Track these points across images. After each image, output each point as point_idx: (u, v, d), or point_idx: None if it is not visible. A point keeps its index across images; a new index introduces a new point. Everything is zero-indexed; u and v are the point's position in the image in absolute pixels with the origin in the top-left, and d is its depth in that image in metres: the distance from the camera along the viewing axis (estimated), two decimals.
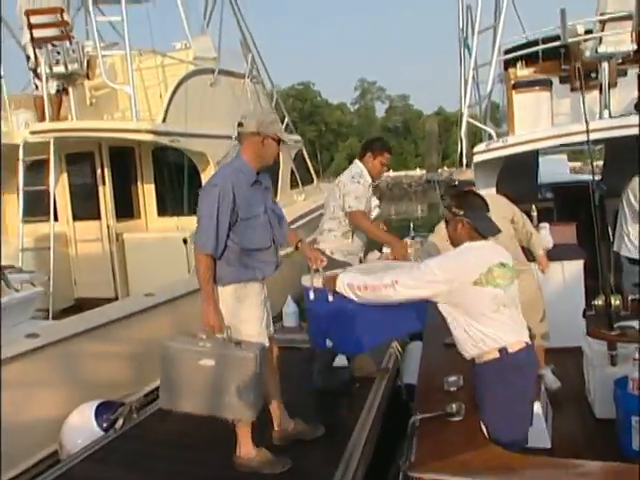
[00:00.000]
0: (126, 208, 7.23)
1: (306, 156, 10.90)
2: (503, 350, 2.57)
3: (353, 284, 2.80)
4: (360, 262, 4.48)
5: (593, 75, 6.14)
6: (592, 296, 4.98)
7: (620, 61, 5.64)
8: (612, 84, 5.69)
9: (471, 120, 5.36)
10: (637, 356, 3.21)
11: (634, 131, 4.17)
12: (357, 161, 4.46)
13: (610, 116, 5.70)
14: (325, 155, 58.31)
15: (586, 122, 3.89)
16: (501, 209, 3.93)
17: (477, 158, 5.23)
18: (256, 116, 3.36)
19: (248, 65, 8.32)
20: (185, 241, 6.20)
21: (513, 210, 4.11)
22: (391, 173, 51.27)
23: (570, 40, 5.29)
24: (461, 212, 2.68)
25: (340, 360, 4.73)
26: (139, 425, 4.06)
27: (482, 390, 2.60)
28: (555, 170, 9.18)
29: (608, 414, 3.64)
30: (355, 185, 4.23)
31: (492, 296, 2.58)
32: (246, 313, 3.25)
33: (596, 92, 5.97)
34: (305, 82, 63.39)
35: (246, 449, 3.33)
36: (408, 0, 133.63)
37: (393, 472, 3.27)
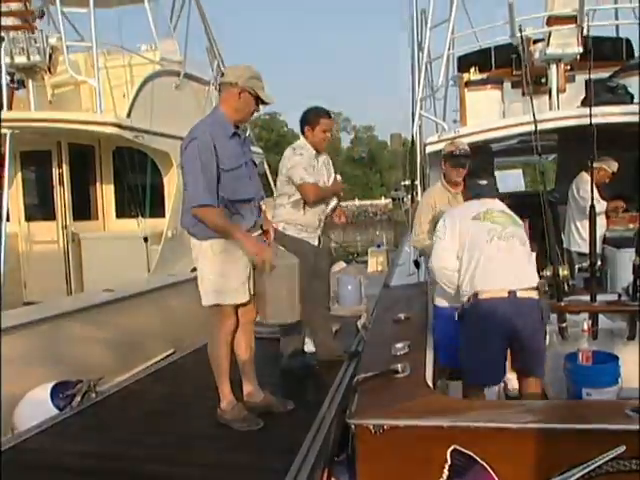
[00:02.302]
0: (84, 209, 7.04)
1: (267, 169, 10.87)
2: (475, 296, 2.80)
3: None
4: (319, 241, 4.40)
5: (543, 81, 6.37)
6: None
7: (569, 67, 5.84)
8: (561, 89, 5.89)
9: (424, 114, 5.43)
10: (585, 327, 3.24)
11: (581, 121, 4.29)
12: (301, 138, 4.46)
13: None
14: None
15: (533, 115, 3.98)
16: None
17: (430, 148, 5.28)
18: (237, 69, 3.23)
19: (214, 72, 8.30)
20: (146, 239, 6.04)
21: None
22: (357, 202, 51.67)
23: (518, 36, 5.44)
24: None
25: (308, 347, 4.73)
26: (97, 403, 3.94)
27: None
28: (511, 183, 9.41)
29: (557, 389, 3.64)
30: (298, 157, 4.23)
31: (488, 229, 2.88)
32: (227, 267, 3.21)
33: (546, 97, 6.18)
34: (272, 113, 63.84)
35: (225, 402, 3.40)
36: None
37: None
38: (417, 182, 5.54)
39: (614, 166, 5.31)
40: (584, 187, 5.36)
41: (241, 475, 2.88)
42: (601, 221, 5.39)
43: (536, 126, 3.94)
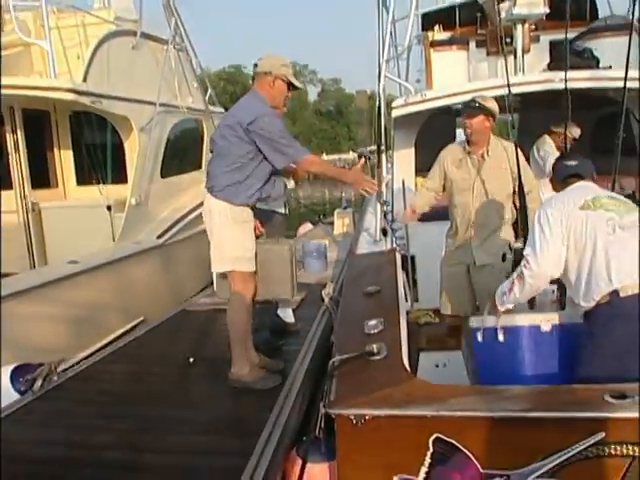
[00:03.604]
0: (42, 177, 6.83)
1: None
2: (614, 293, 2.34)
3: (504, 291, 2.71)
4: (285, 207, 4.44)
5: (508, 40, 6.33)
6: None
7: (534, 27, 5.81)
8: (526, 50, 5.87)
9: (389, 76, 5.35)
10: (553, 298, 3.32)
11: (554, 86, 4.29)
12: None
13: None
14: None
15: (507, 76, 3.93)
16: (506, 159, 3.68)
17: (396, 113, 5.23)
18: (269, 59, 3.55)
19: (171, 31, 7.98)
20: (109, 208, 5.92)
21: (525, 169, 3.72)
22: (324, 156, 51.28)
23: (504, 4, 5.38)
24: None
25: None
26: (60, 386, 3.90)
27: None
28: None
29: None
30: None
31: (606, 218, 2.40)
32: (249, 236, 3.53)
33: (511, 57, 6.15)
34: (236, 65, 62.17)
35: (240, 365, 3.59)
36: None
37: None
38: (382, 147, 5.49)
39: (576, 132, 5.37)
40: (544, 148, 5.42)
41: (207, 459, 2.88)
42: None
43: (509, 91, 3.84)
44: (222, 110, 10.59)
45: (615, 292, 2.34)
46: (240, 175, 3.42)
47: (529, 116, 6.11)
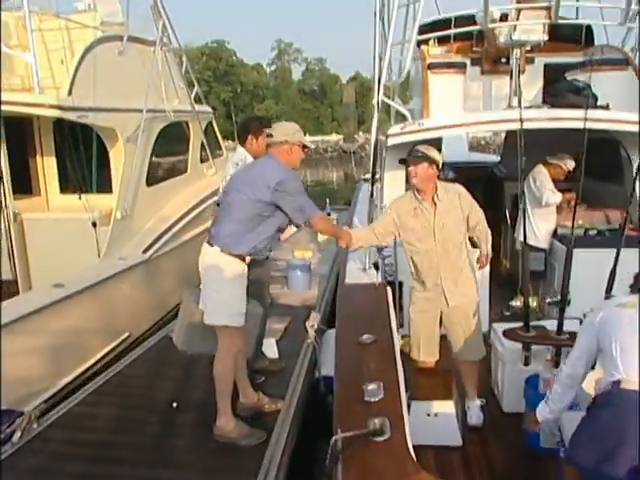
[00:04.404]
0: (24, 184, 6.69)
1: (216, 127, 10.55)
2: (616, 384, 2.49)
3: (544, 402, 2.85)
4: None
5: (503, 60, 6.32)
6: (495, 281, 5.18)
7: (528, 48, 5.80)
8: (521, 71, 5.87)
9: (387, 100, 5.30)
10: (549, 357, 3.37)
11: (569, 124, 4.30)
12: (239, 147, 4.35)
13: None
14: (240, 117, 56.83)
15: (520, 111, 3.89)
16: (456, 199, 3.82)
17: (392, 141, 5.20)
18: (283, 128, 3.78)
19: (159, 32, 7.80)
20: (94, 224, 5.83)
21: (471, 204, 3.90)
22: (307, 137, 50.76)
23: (490, 26, 5.35)
24: None
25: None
26: (39, 436, 3.85)
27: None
28: (455, 147, 9.31)
29: (515, 408, 3.85)
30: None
31: (630, 317, 2.57)
32: (242, 289, 3.60)
33: (506, 77, 6.16)
34: (219, 40, 61.00)
35: (225, 419, 3.64)
36: None
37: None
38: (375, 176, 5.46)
39: (570, 164, 5.42)
40: (541, 179, 5.46)
41: None
42: (553, 215, 5.56)
43: (522, 125, 3.84)
44: (208, 109, 10.46)
45: (616, 382, 2.48)
46: (246, 227, 3.51)
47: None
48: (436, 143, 7.45)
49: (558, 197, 5.42)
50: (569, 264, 3.38)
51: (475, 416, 3.85)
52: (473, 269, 4.03)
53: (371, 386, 2.71)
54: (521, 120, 3.55)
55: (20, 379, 4.28)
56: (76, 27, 6.63)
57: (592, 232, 5.62)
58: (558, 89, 5.44)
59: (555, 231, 5.66)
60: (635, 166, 5.69)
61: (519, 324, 3.99)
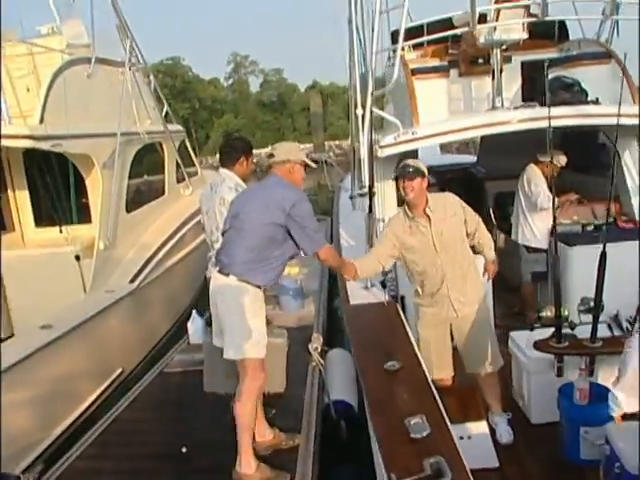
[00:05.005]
0: None
1: (189, 146, 10.31)
2: None
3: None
4: None
5: (480, 61, 6.27)
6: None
7: (504, 47, 5.77)
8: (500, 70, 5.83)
9: (377, 111, 5.16)
10: (583, 366, 3.25)
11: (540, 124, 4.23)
12: (226, 171, 4.13)
13: (502, 104, 5.85)
14: (200, 133, 56.30)
15: (549, 110, 3.76)
16: (448, 207, 3.75)
17: (385, 152, 5.05)
18: (284, 148, 3.72)
19: (127, 52, 7.54)
20: (78, 258, 5.51)
21: (465, 210, 3.83)
22: (270, 149, 50.62)
23: (479, 27, 5.29)
24: None
25: None
26: None
27: None
28: (427, 149, 9.25)
29: (543, 419, 3.72)
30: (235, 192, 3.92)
31: None
32: (262, 319, 3.43)
33: (484, 78, 6.11)
34: (174, 57, 60.33)
35: (246, 462, 3.40)
36: None
37: None
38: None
39: (563, 160, 5.35)
40: (535, 181, 5.38)
41: None
42: (549, 215, 5.48)
43: (550, 124, 3.68)
44: (180, 128, 10.20)
45: None
46: (261, 255, 3.32)
47: (495, 139, 6.00)
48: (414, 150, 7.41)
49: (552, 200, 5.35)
50: (603, 268, 3.26)
51: (505, 433, 3.69)
52: (478, 275, 3.92)
53: (414, 420, 2.54)
54: (549, 118, 3.43)
55: (9, 436, 3.86)
56: (41, 52, 6.31)
57: (590, 227, 5.58)
58: (548, 86, 5.37)
59: (552, 229, 5.58)
60: (625, 157, 5.70)
61: (525, 330, 3.95)
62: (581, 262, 5.15)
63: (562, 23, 6.51)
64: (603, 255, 3.23)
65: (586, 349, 3.20)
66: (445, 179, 7.58)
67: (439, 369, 3.79)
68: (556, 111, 4.38)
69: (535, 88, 6.26)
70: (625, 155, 5.79)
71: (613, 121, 3.96)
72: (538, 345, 3.34)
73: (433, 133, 5.01)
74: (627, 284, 3.79)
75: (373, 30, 5.41)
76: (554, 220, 3.75)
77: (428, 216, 3.71)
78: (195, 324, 5.98)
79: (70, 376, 4.85)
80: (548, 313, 3.27)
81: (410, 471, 2.22)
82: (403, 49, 6.91)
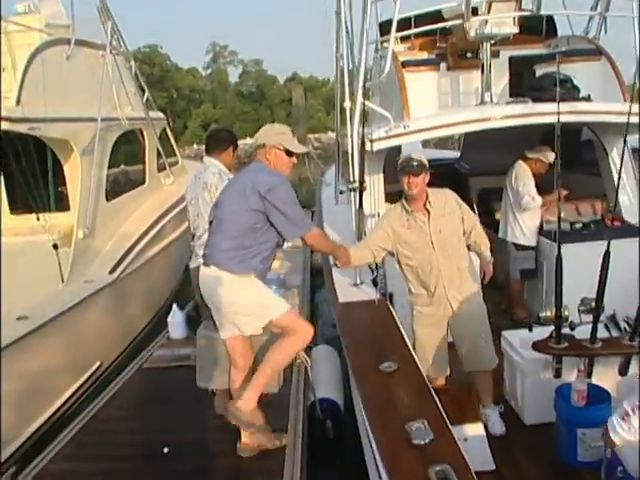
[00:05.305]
0: None
1: (170, 134, 10.07)
2: None
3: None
4: None
5: (469, 55, 6.20)
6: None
7: (492, 42, 5.72)
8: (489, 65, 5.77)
9: (369, 104, 5.04)
10: (582, 367, 3.19)
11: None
12: (211, 159, 4.09)
13: (491, 99, 5.79)
14: (178, 122, 55.54)
15: (558, 105, 3.65)
16: (447, 204, 3.68)
17: (378, 146, 4.95)
18: (264, 130, 3.49)
19: (108, 35, 7.27)
20: (56, 247, 5.28)
21: (462, 207, 3.77)
22: (249, 140, 50.33)
23: (474, 19, 5.21)
24: None
25: None
26: None
27: None
28: (408, 145, 9.17)
29: (537, 420, 3.66)
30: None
31: None
32: (258, 282, 3.26)
33: (472, 72, 6.04)
34: (152, 45, 59.32)
35: (248, 399, 3.24)
36: None
37: None
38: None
39: (551, 156, 5.31)
40: (523, 180, 5.33)
41: None
42: (537, 211, 5.44)
43: (559, 119, 3.49)
44: (161, 115, 9.96)
45: None
46: (243, 243, 3.15)
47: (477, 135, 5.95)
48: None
49: (538, 201, 5.32)
50: (606, 266, 3.19)
51: (498, 424, 3.64)
52: (475, 273, 3.85)
53: (416, 425, 2.42)
54: (558, 113, 3.34)
55: None
56: (18, 30, 6.02)
57: (578, 225, 5.56)
58: (540, 82, 5.33)
59: (541, 227, 5.55)
60: (613, 154, 5.69)
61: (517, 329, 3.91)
62: (571, 260, 5.13)
63: (550, 18, 6.47)
64: (607, 255, 3.16)
65: (587, 350, 3.13)
66: (431, 176, 7.52)
67: (436, 369, 3.72)
68: (564, 107, 4.28)
69: (523, 83, 6.24)
70: (613, 153, 5.79)
71: (621, 119, 3.91)
72: (537, 346, 3.27)
73: (427, 127, 4.91)
74: (620, 282, 3.74)
75: (365, 21, 5.28)
76: (559, 218, 3.66)
77: (428, 211, 3.62)
78: (175, 318, 5.82)
79: (47, 370, 4.65)
80: (548, 313, 3.19)
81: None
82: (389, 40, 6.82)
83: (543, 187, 5.54)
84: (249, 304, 3.14)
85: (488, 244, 3.93)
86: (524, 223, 5.42)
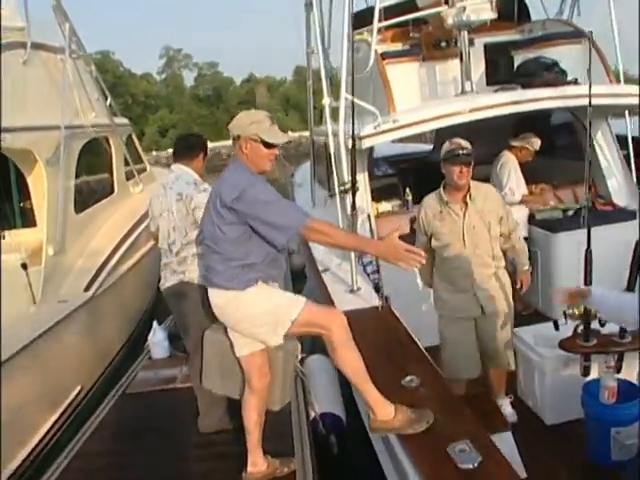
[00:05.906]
0: None
1: (136, 140, 9.66)
2: None
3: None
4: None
5: (443, 44, 6.05)
6: None
7: (467, 30, 5.59)
8: (466, 53, 5.64)
9: (359, 102, 4.82)
10: (612, 363, 3.04)
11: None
12: (182, 166, 3.80)
13: (472, 88, 5.65)
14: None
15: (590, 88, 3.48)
16: (488, 200, 3.47)
17: (368, 143, 4.75)
18: (238, 118, 2.91)
19: (66, 38, 6.85)
20: (25, 266, 4.87)
21: (504, 207, 3.55)
22: (209, 144, 49.33)
23: (459, 5, 5.05)
24: None
25: None
26: None
27: None
28: None
29: (560, 419, 3.51)
30: (205, 193, 3.47)
31: None
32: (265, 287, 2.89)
33: (447, 62, 5.91)
34: (104, 51, 57.85)
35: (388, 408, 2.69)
36: None
37: None
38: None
39: (537, 144, 5.21)
40: (509, 171, 5.22)
41: None
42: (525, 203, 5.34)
43: (590, 102, 3.41)
44: (126, 121, 9.54)
45: None
46: (237, 257, 2.79)
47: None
48: None
49: (517, 196, 5.25)
50: (637, 258, 3.03)
51: (509, 412, 3.55)
52: (506, 275, 3.60)
53: (459, 447, 2.22)
54: (589, 96, 3.17)
55: None
56: None
57: (570, 212, 5.46)
58: (528, 67, 5.21)
59: (532, 216, 5.44)
60: (598, 137, 5.62)
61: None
62: (565, 248, 5.03)
63: (522, 2, 6.38)
64: (637, 247, 3.00)
65: (617, 346, 2.98)
66: (403, 169, 7.35)
67: (466, 371, 3.56)
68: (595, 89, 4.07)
69: (499, 71, 6.12)
70: (598, 136, 5.72)
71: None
72: (564, 344, 3.10)
73: (418, 120, 4.72)
74: (615, 267, 3.59)
75: (345, 11, 5.06)
76: (588, 208, 3.48)
77: (466, 204, 3.41)
78: (157, 337, 5.42)
79: (20, 405, 4.21)
80: (575, 311, 3.01)
81: None
82: (364, 33, 6.62)
83: (529, 175, 5.45)
84: (258, 314, 2.82)
85: (527, 252, 3.75)
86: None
